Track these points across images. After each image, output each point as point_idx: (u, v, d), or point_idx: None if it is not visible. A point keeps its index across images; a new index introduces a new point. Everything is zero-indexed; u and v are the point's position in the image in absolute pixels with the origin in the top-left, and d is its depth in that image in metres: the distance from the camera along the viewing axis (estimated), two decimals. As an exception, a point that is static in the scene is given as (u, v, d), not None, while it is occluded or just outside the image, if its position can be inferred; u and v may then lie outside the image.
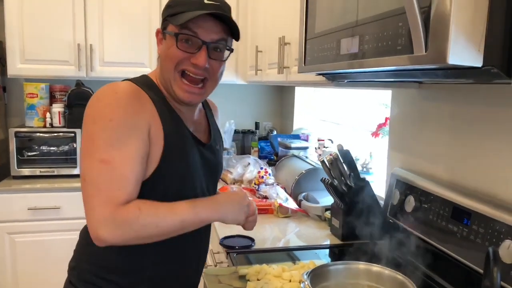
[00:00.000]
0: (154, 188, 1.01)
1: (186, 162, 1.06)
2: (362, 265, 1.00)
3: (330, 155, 1.61)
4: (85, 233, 1.12)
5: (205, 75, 1.05)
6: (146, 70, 2.71)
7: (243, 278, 1.25)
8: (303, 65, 1.36)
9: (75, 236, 2.43)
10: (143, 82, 1.05)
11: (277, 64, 1.96)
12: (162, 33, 1.07)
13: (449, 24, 0.68)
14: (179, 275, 1.16)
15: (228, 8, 1.07)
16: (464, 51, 0.70)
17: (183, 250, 1.14)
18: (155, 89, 1.06)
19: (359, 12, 0.97)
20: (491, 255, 0.86)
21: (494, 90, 1.17)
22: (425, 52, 0.74)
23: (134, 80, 1.04)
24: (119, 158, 0.93)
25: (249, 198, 1.15)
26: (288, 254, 1.53)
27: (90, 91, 2.62)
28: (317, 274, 0.96)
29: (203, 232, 1.19)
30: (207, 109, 1.29)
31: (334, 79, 1.43)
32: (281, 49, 1.91)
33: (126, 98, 0.97)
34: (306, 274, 0.96)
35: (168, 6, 1.05)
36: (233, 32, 1.06)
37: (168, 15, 1.03)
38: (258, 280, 1.22)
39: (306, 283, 0.93)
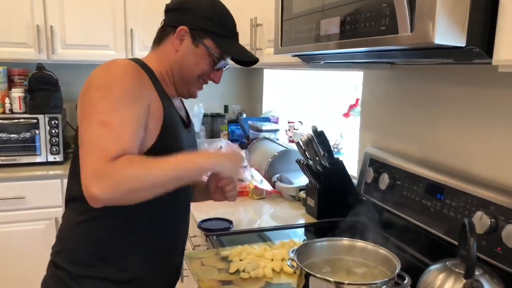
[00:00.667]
0: None
1: (180, 141, 1.09)
2: (346, 241, 1.03)
3: (306, 136, 1.63)
4: (71, 215, 1.10)
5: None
6: (111, 53, 2.62)
7: (225, 259, 1.26)
8: (280, 46, 1.36)
9: (41, 226, 2.40)
10: (142, 64, 1.09)
11: (249, 46, 1.95)
12: (191, 37, 1.11)
13: (435, 5, 0.70)
14: (169, 252, 1.18)
15: None
16: (449, 31, 0.72)
17: (172, 226, 1.16)
18: (152, 73, 1.10)
19: (341, -8, 0.98)
20: (467, 226, 0.91)
21: (464, 69, 1.23)
22: (411, 32, 0.76)
23: (134, 61, 1.07)
24: (118, 122, 0.93)
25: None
26: (266, 234, 1.55)
27: (53, 75, 2.50)
28: (303, 251, 0.98)
29: (187, 209, 1.22)
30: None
31: (309, 60, 1.44)
32: (253, 30, 1.90)
33: (132, 70, 1.02)
34: (292, 251, 0.98)
35: (207, 18, 1.11)
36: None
37: (209, 29, 1.11)
38: (240, 260, 1.23)
39: (293, 260, 0.95)
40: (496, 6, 0.71)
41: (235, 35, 1.18)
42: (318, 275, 0.89)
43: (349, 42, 0.94)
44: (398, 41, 0.79)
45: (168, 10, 1.16)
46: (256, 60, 1.21)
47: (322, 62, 1.40)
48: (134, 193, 0.91)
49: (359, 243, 1.02)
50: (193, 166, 0.99)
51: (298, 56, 1.42)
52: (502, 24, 0.71)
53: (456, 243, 1.11)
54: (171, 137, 1.06)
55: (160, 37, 1.16)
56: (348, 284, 0.88)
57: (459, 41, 0.73)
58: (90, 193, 0.88)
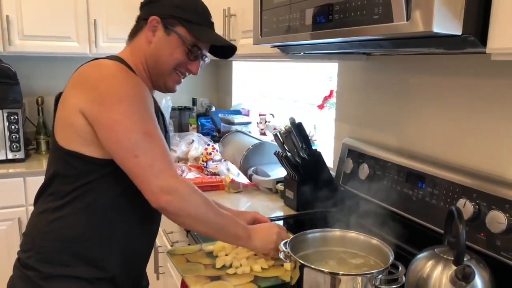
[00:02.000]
0: None
1: (163, 134, 1.09)
2: (338, 232, 1.03)
3: (284, 128, 1.62)
4: (43, 213, 1.07)
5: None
6: (73, 45, 2.50)
7: (210, 254, 1.23)
8: (260, 37, 1.34)
9: (3, 227, 2.26)
10: (123, 63, 1.08)
11: (222, 36, 1.91)
12: (163, 26, 1.11)
13: (434, -7, 0.70)
14: (143, 252, 1.19)
15: None
16: (445, 20, 0.72)
17: (147, 226, 1.17)
18: (133, 71, 1.09)
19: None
20: (455, 212, 0.93)
21: (439, 59, 1.25)
22: (407, 21, 0.76)
23: (113, 59, 1.07)
24: (154, 127, 1.01)
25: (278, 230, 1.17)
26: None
27: (10, 68, 2.36)
28: (295, 243, 0.97)
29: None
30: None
31: (288, 51, 1.43)
32: (227, 21, 1.86)
33: (133, 76, 1.05)
34: (285, 243, 0.97)
35: (178, 6, 1.11)
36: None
37: (179, 17, 1.10)
38: (226, 255, 1.21)
39: (287, 253, 0.94)
40: (491, -5, 0.72)
41: (210, 23, 1.17)
42: (313, 266, 0.88)
43: (340, 31, 0.92)
44: (393, 30, 0.79)
45: (142, 5, 1.17)
46: (234, 49, 1.21)
47: (302, 53, 1.39)
48: (190, 218, 1.01)
49: (351, 234, 1.02)
50: (233, 234, 1.08)
51: (278, 46, 1.40)
52: (496, 13, 0.72)
53: (440, 230, 1.14)
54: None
55: (134, 31, 1.16)
56: (343, 275, 0.88)
57: (456, 30, 0.73)
58: (160, 203, 0.96)
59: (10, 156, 2.39)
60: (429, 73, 1.30)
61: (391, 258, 0.91)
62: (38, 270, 1.04)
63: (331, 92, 1.91)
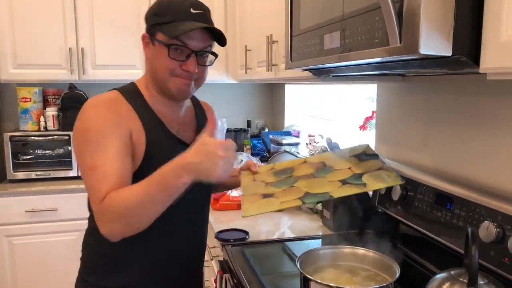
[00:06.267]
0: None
1: (167, 161, 1.02)
2: (348, 249, 1.05)
3: (320, 148, 1.66)
4: (87, 228, 1.20)
5: (193, 78, 1.14)
6: (138, 72, 2.75)
7: (279, 172, 1.26)
8: (290, 61, 1.41)
9: (73, 237, 2.51)
10: (128, 91, 1.14)
11: (266, 62, 2.01)
12: (150, 38, 1.13)
13: (420, 16, 0.73)
14: (171, 263, 1.21)
15: (209, 12, 1.15)
16: (434, 42, 0.74)
17: (173, 238, 1.19)
18: (139, 97, 1.14)
19: (339, 8, 1.02)
20: (470, 234, 0.91)
21: (468, 80, 1.23)
22: (400, 43, 0.79)
23: (120, 90, 1.13)
24: (102, 161, 1.00)
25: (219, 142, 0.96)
26: (286, 244, 1.57)
27: (83, 94, 2.65)
28: (306, 258, 1.01)
29: (193, 224, 1.25)
30: (198, 109, 1.35)
31: (320, 74, 1.48)
32: (269, 47, 1.96)
33: (104, 109, 1.06)
34: (297, 259, 1.01)
35: (154, 14, 1.11)
36: (217, 38, 1.14)
37: (156, 23, 1.10)
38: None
39: (297, 266, 0.98)
40: (481, 14, 0.73)
41: (186, 15, 1.08)
42: (318, 281, 0.91)
43: (346, 55, 0.97)
44: (389, 53, 0.82)
45: None
46: (220, 33, 1.11)
47: (331, 76, 1.43)
48: (129, 222, 0.97)
49: (360, 250, 1.04)
50: (165, 187, 0.94)
51: (308, 70, 1.46)
52: (486, 31, 0.73)
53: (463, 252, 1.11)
54: (156, 160, 1.02)
55: None
56: (349, 290, 0.90)
57: (445, 51, 0.75)
58: (103, 233, 0.98)
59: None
60: (461, 93, 1.28)
61: (397, 275, 0.92)
62: (83, 279, 1.18)
63: (373, 112, 1.91)
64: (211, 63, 1.18)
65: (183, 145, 1.16)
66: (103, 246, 1.11)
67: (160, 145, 1.11)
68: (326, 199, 1.01)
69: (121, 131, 1.05)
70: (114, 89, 1.15)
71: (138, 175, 1.04)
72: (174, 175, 0.93)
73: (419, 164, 1.48)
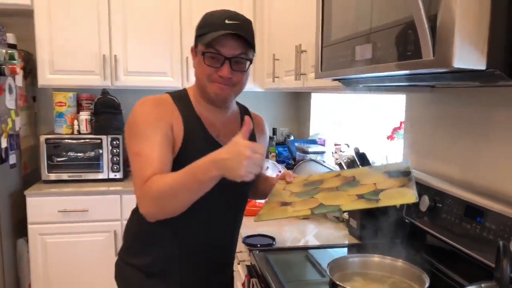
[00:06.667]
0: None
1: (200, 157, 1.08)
2: (376, 258, 1.06)
3: (347, 157, 1.67)
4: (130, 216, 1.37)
5: (229, 83, 1.23)
6: (168, 79, 2.83)
7: (311, 183, 1.27)
8: (320, 71, 1.44)
9: (102, 238, 2.58)
10: (177, 94, 1.29)
11: (294, 71, 2.04)
12: (194, 49, 1.27)
13: (454, 31, 0.74)
14: (202, 249, 1.30)
15: (248, 23, 1.23)
16: (468, 55, 0.76)
17: (203, 226, 1.29)
18: (185, 100, 1.28)
19: (372, 21, 1.04)
20: (501, 248, 0.91)
21: (501, 92, 1.23)
22: (433, 57, 0.80)
23: (171, 93, 1.30)
24: (146, 148, 1.14)
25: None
26: (310, 253, 1.58)
27: (115, 99, 2.74)
28: (335, 265, 1.02)
29: (226, 212, 1.33)
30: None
31: (349, 84, 1.50)
32: (298, 56, 1.99)
33: (150, 106, 1.21)
34: (327, 265, 1.03)
35: (198, 27, 1.25)
36: (252, 45, 1.23)
37: (197, 35, 1.23)
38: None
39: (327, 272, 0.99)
40: (516, 29, 0.74)
41: (221, 26, 1.16)
42: (343, 285, 0.92)
43: (378, 66, 0.99)
44: (422, 65, 0.83)
45: None
46: (239, 34, 1.17)
47: (360, 86, 1.45)
48: (163, 205, 1.08)
49: (388, 260, 1.04)
50: (195, 178, 1.03)
51: (338, 80, 1.48)
52: (522, 47, 0.74)
53: (494, 265, 1.10)
54: (190, 155, 1.12)
55: None
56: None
57: (479, 65, 0.76)
58: (143, 213, 1.10)
59: (111, 175, 2.74)
60: (492, 105, 1.28)
61: (427, 284, 0.92)
62: (119, 255, 1.37)
63: (401, 123, 1.91)
64: (246, 69, 1.24)
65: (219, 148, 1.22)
66: (140, 225, 1.27)
67: (196, 143, 1.22)
68: (335, 211, 1.01)
69: (164, 125, 1.18)
70: (167, 93, 1.30)
71: (173, 168, 1.15)
72: (204, 168, 1.02)
73: (447, 176, 1.47)
